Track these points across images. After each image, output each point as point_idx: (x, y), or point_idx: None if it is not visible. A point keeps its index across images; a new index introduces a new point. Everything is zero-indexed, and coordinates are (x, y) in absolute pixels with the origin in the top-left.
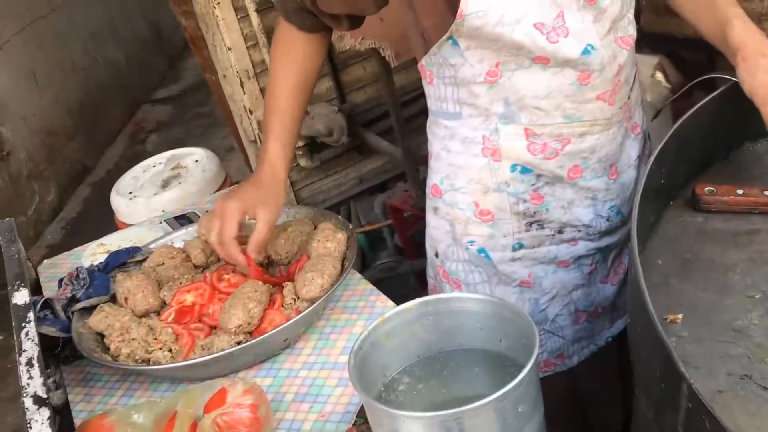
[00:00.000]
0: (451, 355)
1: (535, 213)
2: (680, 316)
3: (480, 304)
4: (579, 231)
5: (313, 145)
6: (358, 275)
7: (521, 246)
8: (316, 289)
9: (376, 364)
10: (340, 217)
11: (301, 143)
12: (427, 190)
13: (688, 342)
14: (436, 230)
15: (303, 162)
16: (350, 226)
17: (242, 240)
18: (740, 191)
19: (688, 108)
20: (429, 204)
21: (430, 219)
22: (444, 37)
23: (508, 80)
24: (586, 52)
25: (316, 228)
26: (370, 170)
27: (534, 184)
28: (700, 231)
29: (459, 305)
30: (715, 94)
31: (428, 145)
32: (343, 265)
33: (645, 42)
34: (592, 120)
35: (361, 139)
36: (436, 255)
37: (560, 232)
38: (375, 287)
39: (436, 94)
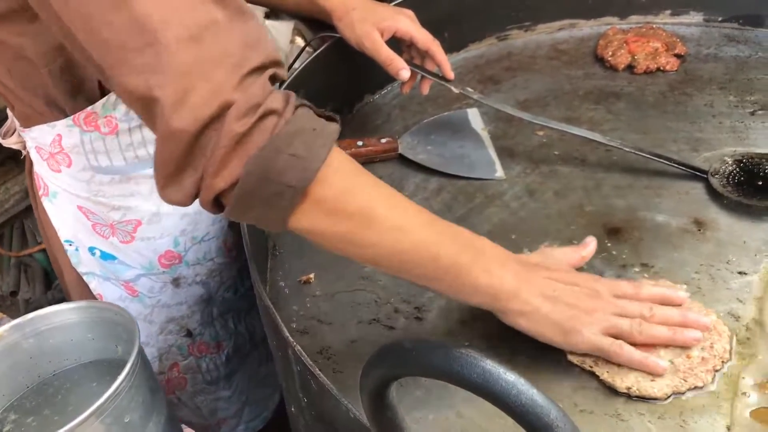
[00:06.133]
0: (66, 375)
1: None
2: (312, 275)
3: (80, 312)
4: None
5: None
6: None
7: None
8: None
9: None
10: None
11: None
12: None
13: (322, 300)
14: None
15: None
16: None
17: None
18: (360, 143)
19: None
20: None
21: None
22: None
23: None
24: None
25: None
26: None
27: None
28: None
29: (61, 318)
30: (317, 52)
31: None
32: None
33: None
34: None
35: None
36: None
37: None
38: None
39: None
